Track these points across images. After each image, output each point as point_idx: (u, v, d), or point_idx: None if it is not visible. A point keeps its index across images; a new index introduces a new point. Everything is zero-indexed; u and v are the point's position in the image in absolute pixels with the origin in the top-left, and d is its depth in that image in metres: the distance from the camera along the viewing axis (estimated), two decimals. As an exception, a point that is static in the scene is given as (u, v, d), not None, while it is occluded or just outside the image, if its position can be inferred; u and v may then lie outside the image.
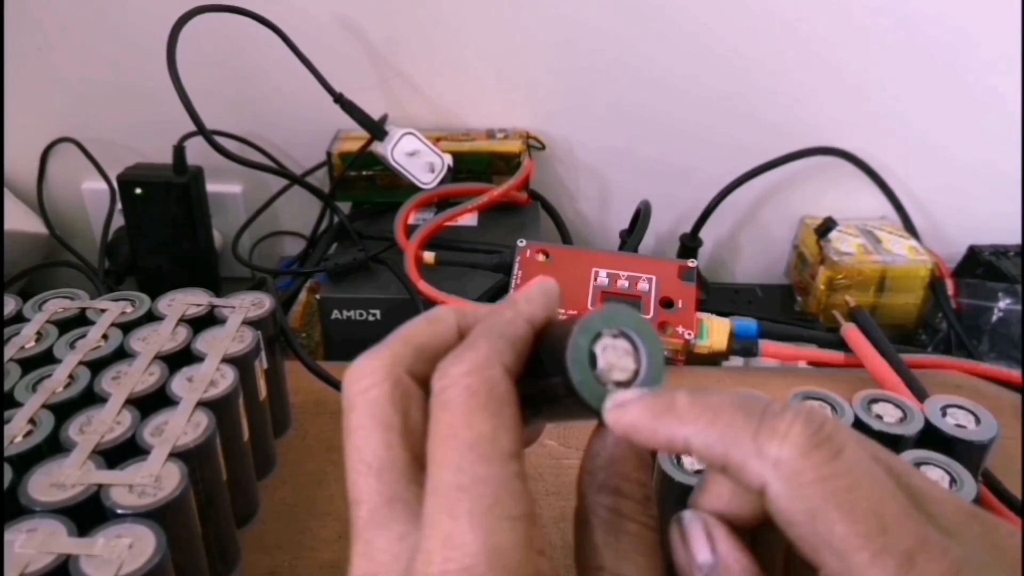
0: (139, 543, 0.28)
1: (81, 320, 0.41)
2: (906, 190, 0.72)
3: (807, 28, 0.67)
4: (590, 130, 0.73)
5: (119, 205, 0.68)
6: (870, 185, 0.73)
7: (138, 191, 0.64)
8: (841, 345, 0.53)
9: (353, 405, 0.21)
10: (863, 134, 0.71)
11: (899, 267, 0.65)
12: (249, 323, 0.41)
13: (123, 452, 0.33)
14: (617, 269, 0.53)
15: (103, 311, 0.41)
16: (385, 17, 0.69)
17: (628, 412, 0.20)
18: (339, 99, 0.63)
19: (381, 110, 0.68)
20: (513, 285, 0.53)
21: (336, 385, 0.47)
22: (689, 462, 0.33)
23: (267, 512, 0.42)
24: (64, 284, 0.54)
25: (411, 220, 0.64)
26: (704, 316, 0.53)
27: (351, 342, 0.60)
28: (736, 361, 0.55)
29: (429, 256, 0.57)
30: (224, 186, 0.74)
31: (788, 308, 0.72)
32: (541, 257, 0.54)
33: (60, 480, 0.31)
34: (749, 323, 0.54)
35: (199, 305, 0.42)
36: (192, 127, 0.59)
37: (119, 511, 0.30)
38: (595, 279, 0.53)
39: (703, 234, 0.70)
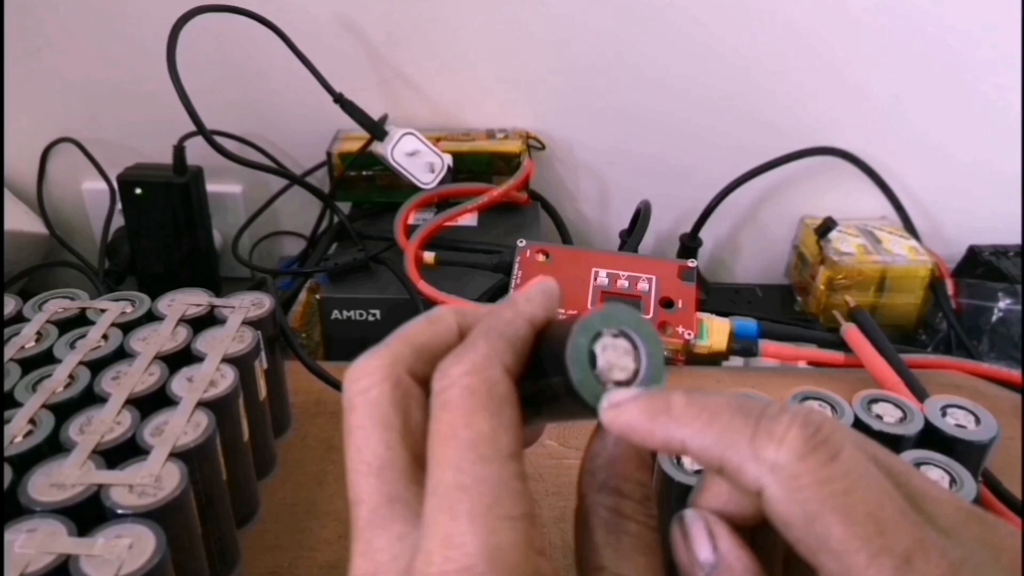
0: (139, 543, 0.28)
1: (81, 320, 0.41)
2: (906, 190, 0.72)
3: (807, 28, 0.67)
4: (590, 130, 0.73)
5: (119, 205, 0.68)
6: (870, 185, 0.73)
7: (138, 191, 0.64)
8: (841, 345, 0.53)
9: (353, 405, 0.21)
10: (863, 134, 0.71)
11: (899, 267, 0.65)
12: (249, 323, 0.41)
13: (123, 452, 0.33)
14: (617, 269, 0.53)
15: (103, 311, 0.41)
16: (385, 17, 0.69)
17: (624, 412, 0.20)
18: (339, 99, 0.63)
19: (381, 110, 0.68)
20: (513, 285, 0.53)
21: (336, 385, 0.47)
22: (689, 462, 0.33)
23: (267, 512, 0.42)
24: (64, 284, 0.54)
25: (411, 220, 0.64)
26: (704, 316, 0.53)
27: (351, 342, 0.60)
28: (736, 361, 0.55)
29: (429, 256, 0.57)
30: (224, 186, 0.74)
31: (788, 308, 0.72)
32: (541, 257, 0.54)
33: (60, 480, 0.31)
34: (749, 323, 0.54)
35: (199, 305, 0.42)
36: (192, 127, 0.59)
37: (119, 511, 0.30)
38: (595, 279, 0.53)
39: (703, 234, 0.70)
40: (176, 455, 0.33)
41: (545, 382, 0.21)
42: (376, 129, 0.64)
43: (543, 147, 0.73)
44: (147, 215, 0.65)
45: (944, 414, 0.38)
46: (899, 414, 0.38)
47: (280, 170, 0.69)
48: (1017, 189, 0.70)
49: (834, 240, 0.67)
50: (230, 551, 0.38)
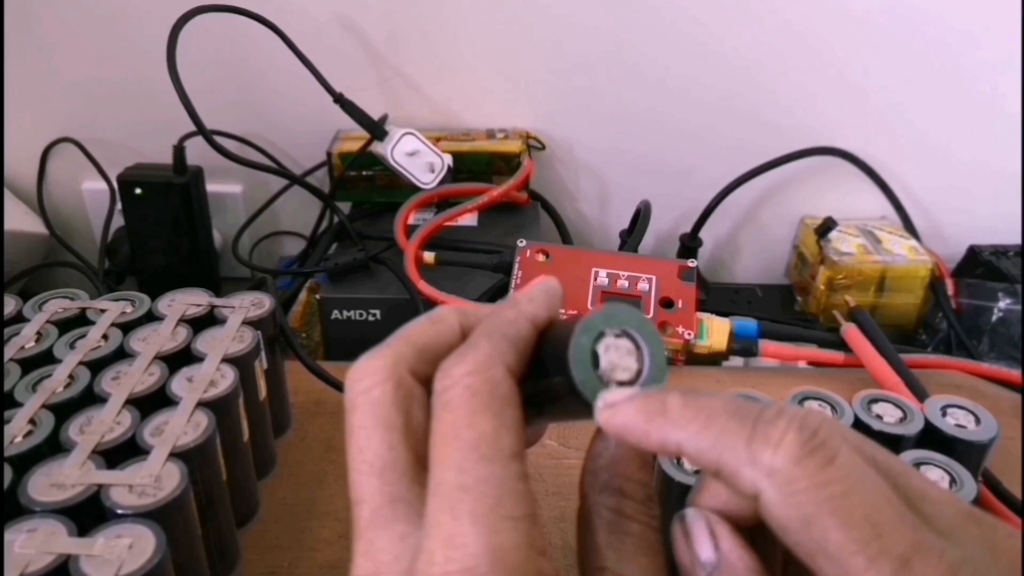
0: (139, 543, 0.28)
1: (81, 320, 0.41)
2: (906, 190, 0.72)
3: (807, 28, 0.67)
4: (590, 130, 0.73)
5: (119, 205, 0.68)
6: (870, 185, 0.73)
7: (138, 191, 0.64)
8: (841, 345, 0.53)
9: (355, 405, 0.21)
10: (863, 134, 0.71)
11: (899, 267, 0.65)
12: (249, 323, 0.41)
13: (123, 452, 0.33)
14: (617, 269, 0.53)
15: (103, 311, 0.41)
16: (385, 17, 0.69)
17: (619, 413, 0.20)
18: (339, 99, 0.63)
19: (381, 110, 0.68)
20: (513, 285, 0.53)
21: (336, 385, 0.47)
22: (688, 462, 0.33)
23: (267, 512, 0.42)
24: (64, 284, 0.54)
25: (411, 220, 0.64)
26: (704, 316, 0.53)
27: (351, 342, 0.60)
28: (736, 361, 0.55)
29: (429, 256, 0.57)
30: (224, 186, 0.74)
31: (788, 308, 0.72)
32: (541, 257, 0.54)
33: (60, 480, 0.31)
34: (749, 323, 0.54)
35: (199, 305, 0.42)
36: (192, 127, 0.59)
37: (119, 511, 0.30)
38: (595, 279, 0.53)
39: (703, 234, 0.70)
40: (176, 455, 0.33)
41: (547, 382, 0.21)
42: (376, 129, 0.64)
43: (543, 147, 0.73)
44: (147, 215, 0.65)
45: (944, 414, 0.38)
46: (899, 414, 0.38)
47: (280, 170, 0.69)
48: (1017, 189, 0.70)
49: (834, 240, 0.67)
50: (230, 551, 0.38)
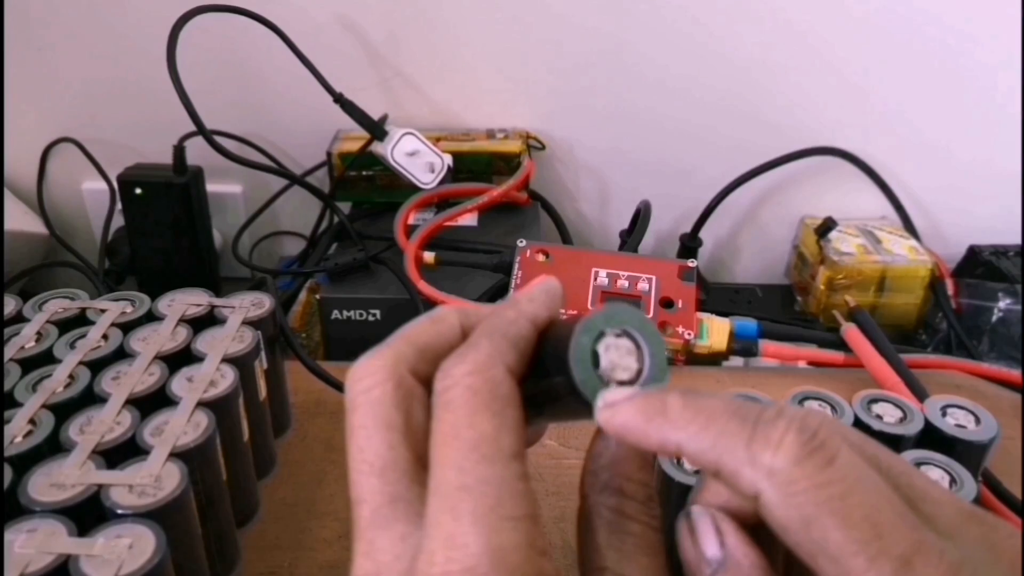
0: (139, 543, 0.28)
1: (81, 320, 0.41)
2: (906, 190, 0.72)
3: (807, 28, 0.67)
4: (590, 130, 0.73)
5: (119, 205, 0.68)
6: (870, 185, 0.73)
7: (138, 191, 0.64)
8: (841, 345, 0.53)
9: (355, 405, 0.21)
10: (863, 134, 0.71)
11: (899, 267, 0.65)
12: (249, 323, 0.41)
13: (123, 452, 0.33)
14: (617, 269, 0.53)
15: (103, 311, 0.41)
16: (385, 17, 0.69)
17: (619, 413, 0.20)
18: (339, 99, 0.63)
19: (381, 110, 0.68)
20: (513, 285, 0.53)
21: (336, 385, 0.47)
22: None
23: (267, 512, 0.42)
24: (64, 284, 0.54)
25: (411, 220, 0.64)
26: (704, 316, 0.53)
27: (351, 342, 0.60)
28: (736, 361, 0.55)
29: (429, 256, 0.57)
30: (224, 186, 0.74)
31: (788, 308, 0.72)
32: (541, 257, 0.54)
33: (60, 480, 0.31)
34: (749, 323, 0.54)
35: (199, 305, 0.42)
36: (192, 127, 0.59)
37: (119, 511, 0.30)
38: (595, 279, 0.53)
39: (703, 234, 0.70)
40: (176, 455, 0.32)
41: (548, 382, 0.21)
42: (376, 129, 0.64)
43: (543, 147, 0.73)
44: (147, 215, 0.65)
45: (944, 414, 0.38)
46: (899, 414, 0.38)
47: (280, 170, 0.69)
48: (1017, 189, 0.70)
49: (834, 240, 0.67)
50: (230, 551, 0.38)
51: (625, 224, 0.65)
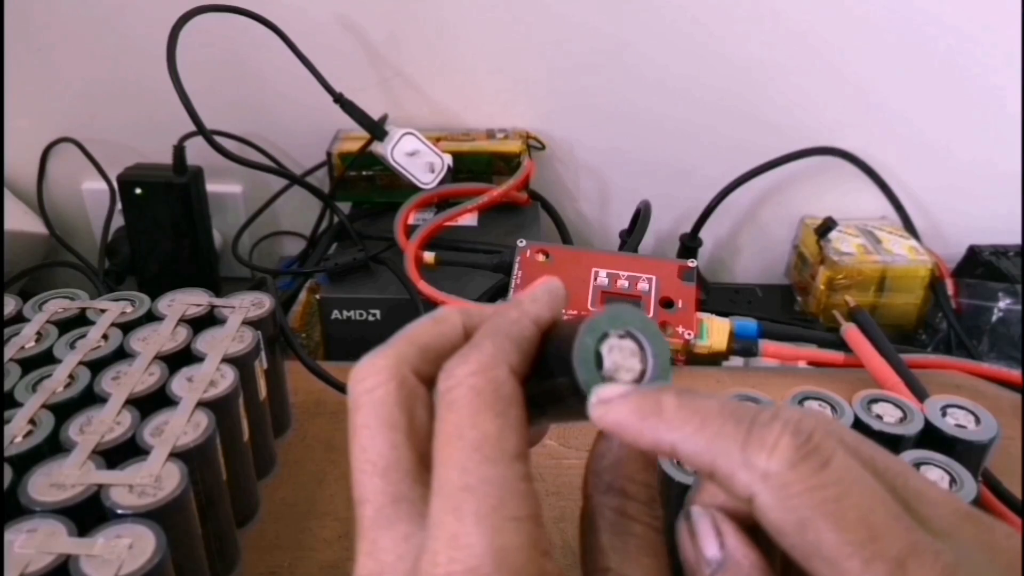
0: (139, 543, 0.28)
1: (81, 320, 0.41)
2: (906, 190, 0.72)
3: (807, 28, 0.67)
4: (590, 130, 0.73)
5: (119, 205, 0.68)
6: (870, 185, 0.73)
7: (138, 191, 0.64)
8: (841, 345, 0.53)
9: (358, 405, 0.21)
10: (863, 134, 0.71)
11: (899, 267, 0.65)
12: (249, 323, 0.41)
13: (123, 452, 0.33)
14: (617, 269, 0.53)
15: (103, 311, 0.41)
16: (385, 17, 0.69)
17: (613, 410, 0.20)
18: (339, 99, 0.63)
19: (381, 110, 0.68)
20: (513, 285, 0.53)
21: (336, 385, 0.47)
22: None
23: (267, 512, 0.42)
24: (64, 284, 0.54)
25: (411, 220, 0.64)
26: (704, 316, 0.53)
27: (351, 342, 0.60)
28: (736, 361, 0.55)
29: (429, 256, 0.57)
30: (224, 186, 0.74)
31: (788, 308, 0.72)
32: (541, 257, 0.54)
33: (60, 480, 0.31)
34: (749, 323, 0.54)
35: (199, 305, 0.42)
36: (192, 127, 0.59)
37: (119, 511, 0.30)
38: (595, 279, 0.53)
39: (703, 234, 0.70)
40: (176, 455, 0.32)
41: (551, 383, 0.21)
42: (376, 129, 0.64)
43: (543, 147, 0.73)
44: (147, 215, 0.65)
45: (944, 414, 0.38)
46: (899, 414, 0.38)
47: (280, 170, 0.69)
48: (1017, 189, 0.70)
49: (834, 240, 0.67)
50: (230, 551, 0.38)
51: (625, 224, 0.65)
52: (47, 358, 0.38)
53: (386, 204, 0.68)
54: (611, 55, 0.70)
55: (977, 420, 0.37)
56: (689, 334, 0.51)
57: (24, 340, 0.39)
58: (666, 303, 0.52)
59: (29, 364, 0.38)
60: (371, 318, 0.59)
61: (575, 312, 0.51)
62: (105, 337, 0.39)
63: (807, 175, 0.73)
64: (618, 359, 0.21)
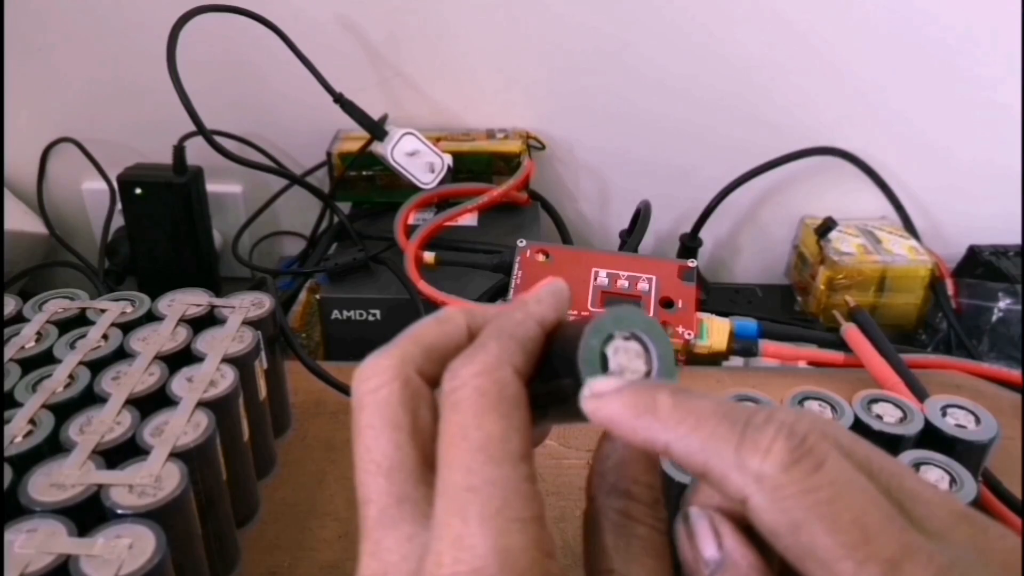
0: (139, 543, 0.28)
1: (81, 320, 0.41)
2: (906, 190, 0.72)
3: (807, 28, 0.67)
4: (590, 130, 0.73)
5: (119, 205, 0.68)
6: (870, 185, 0.73)
7: (138, 191, 0.64)
8: (841, 345, 0.53)
9: (362, 405, 0.21)
10: (863, 134, 0.71)
11: (899, 267, 0.65)
12: (249, 323, 0.41)
13: (123, 452, 0.33)
14: (617, 269, 0.53)
15: (103, 311, 0.41)
16: (385, 17, 0.69)
17: (607, 405, 0.20)
18: (339, 99, 0.63)
19: (381, 110, 0.68)
20: (513, 285, 0.53)
21: (336, 385, 0.47)
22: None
23: (267, 512, 0.42)
24: (64, 284, 0.54)
25: (411, 220, 0.64)
26: (704, 316, 0.53)
27: (351, 342, 0.60)
28: (736, 361, 0.55)
29: (429, 256, 0.57)
30: (224, 186, 0.74)
31: (788, 308, 0.72)
32: (541, 257, 0.54)
33: (60, 480, 0.31)
34: (749, 323, 0.54)
35: (199, 305, 0.42)
36: (192, 127, 0.59)
37: (119, 511, 0.30)
38: (595, 279, 0.53)
39: (703, 234, 0.70)
40: (176, 455, 0.32)
41: (555, 384, 0.21)
42: (376, 129, 0.64)
43: (543, 147, 0.73)
44: (147, 215, 0.65)
45: (944, 414, 0.38)
46: (899, 414, 0.38)
47: (280, 170, 0.69)
48: (1017, 189, 0.70)
49: (834, 240, 0.67)
50: (230, 551, 0.38)
51: (625, 224, 0.65)
52: (47, 358, 0.38)
53: (386, 204, 0.68)
54: (611, 55, 0.70)
55: (977, 420, 0.37)
56: (689, 334, 0.51)
57: (24, 340, 0.39)
58: (666, 303, 0.52)
59: (29, 364, 0.38)
60: (371, 318, 0.59)
61: (575, 312, 0.51)
62: (105, 337, 0.39)
63: (807, 175, 0.73)
64: (623, 360, 0.21)
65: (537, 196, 0.71)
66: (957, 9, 0.66)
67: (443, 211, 0.64)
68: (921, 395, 0.46)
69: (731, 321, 0.53)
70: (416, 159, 0.65)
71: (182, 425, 0.34)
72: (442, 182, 0.66)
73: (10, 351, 0.38)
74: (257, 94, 0.72)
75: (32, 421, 0.34)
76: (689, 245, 0.70)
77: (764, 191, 0.74)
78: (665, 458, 0.33)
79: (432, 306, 0.55)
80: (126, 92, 0.71)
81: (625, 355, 0.21)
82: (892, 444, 0.36)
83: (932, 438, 0.37)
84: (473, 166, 0.68)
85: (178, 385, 0.36)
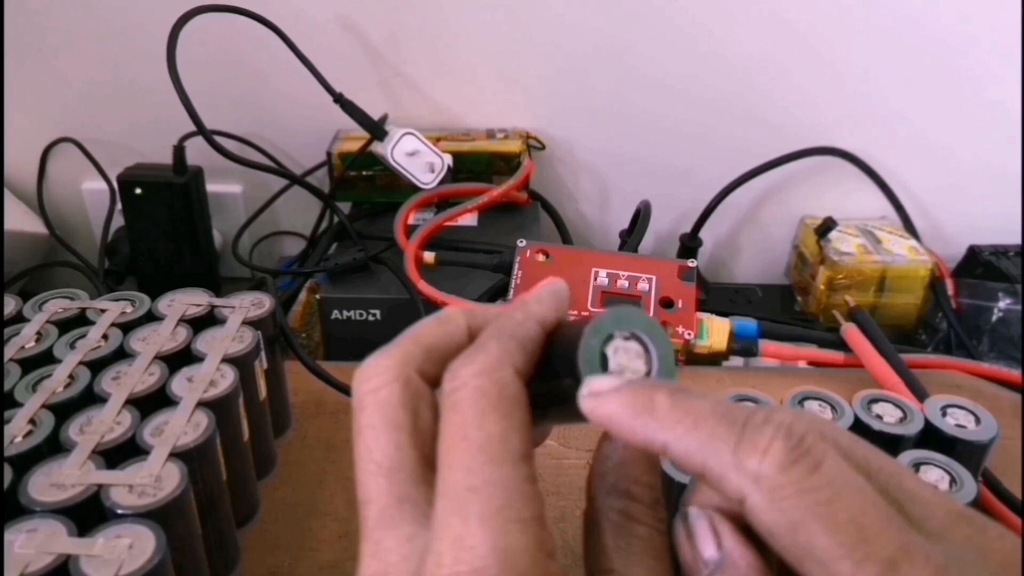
0: (139, 543, 0.28)
1: (81, 320, 0.41)
2: (906, 190, 0.72)
3: (807, 28, 0.67)
4: (590, 130, 0.73)
5: (119, 205, 0.68)
6: (870, 185, 0.73)
7: (138, 191, 0.64)
8: (841, 345, 0.53)
9: (363, 405, 0.21)
10: (863, 134, 0.71)
11: (899, 267, 0.65)
12: (249, 323, 0.41)
13: (123, 452, 0.33)
14: (617, 269, 0.53)
15: (103, 311, 0.41)
16: (385, 17, 0.69)
17: (605, 404, 0.20)
18: (339, 99, 0.63)
19: (381, 110, 0.68)
20: (513, 285, 0.53)
21: (336, 385, 0.47)
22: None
23: (267, 512, 0.42)
24: (64, 284, 0.54)
25: (411, 220, 0.64)
26: (704, 316, 0.53)
27: (351, 342, 0.60)
28: (736, 361, 0.55)
29: (429, 256, 0.57)
30: (224, 186, 0.74)
31: (788, 308, 0.72)
32: (541, 257, 0.54)
33: (60, 480, 0.31)
34: (749, 323, 0.54)
35: (199, 305, 0.42)
36: (192, 127, 0.59)
37: (119, 511, 0.30)
38: (595, 279, 0.53)
39: (703, 234, 0.70)
40: (176, 455, 0.32)
41: (555, 384, 0.21)
42: (376, 129, 0.64)
43: (543, 147, 0.73)
44: (147, 215, 0.65)
45: (944, 414, 0.38)
46: (899, 414, 0.38)
47: (280, 170, 0.69)
48: (1017, 189, 0.70)
49: (834, 240, 0.67)
50: (230, 551, 0.38)
51: (625, 224, 0.65)
52: (47, 358, 0.38)
53: (386, 204, 0.68)
54: (611, 55, 0.70)
55: (977, 420, 0.37)
56: (689, 334, 0.51)
57: (24, 340, 0.39)
58: (666, 303, 0.52)
59: (29, 364, 0.38)
60: (371, 318, 0.59)
61: (576, 312, 0.51)
62: (105, 337, 0.39)
63: (807, 175, 0.73)
64: (623, 361, 0.21)
65: (537, 196, 0.71)
66: (957, 9, 0.66)
67: (443, 211, 0.64)
68: (921, 395, 0.46)
69: (731, 321, 0.53)
70: (416, 159, 0.65)
71: (182, 425, 0.34)
72: (442, 182, 0.66)
73: (10, 351, 0.38)
74: (257, 94, 0.72)
75: (32, 421, 0.34)
76: (689, 245, 0.70)
77: (764, 191, 0.74)
78: (664, 458, 0.33)
79: (432, 306, 0.55)
80: (126, 92, 0.71)
81: (625, 355, 0.21)
82: (892, 444, 0.36)
83: (932, 438, 0.37)
84: (473, 166, 0.68)
85: (178, 385, 0.36)
